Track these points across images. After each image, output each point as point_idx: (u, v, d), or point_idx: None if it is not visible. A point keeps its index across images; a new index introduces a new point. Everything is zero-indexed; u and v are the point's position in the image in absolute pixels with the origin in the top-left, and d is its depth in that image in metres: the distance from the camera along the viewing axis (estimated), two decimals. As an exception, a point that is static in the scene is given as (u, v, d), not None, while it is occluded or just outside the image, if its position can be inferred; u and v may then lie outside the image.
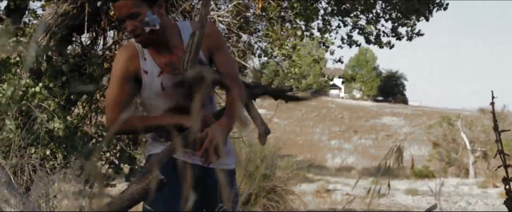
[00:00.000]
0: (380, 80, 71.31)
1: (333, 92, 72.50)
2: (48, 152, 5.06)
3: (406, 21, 8.75)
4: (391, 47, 9.04)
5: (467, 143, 32.87)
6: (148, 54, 2.69)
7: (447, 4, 8.74)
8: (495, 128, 2.08)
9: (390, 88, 72.53)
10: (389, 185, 1.78)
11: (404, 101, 70.01)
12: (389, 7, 8.63)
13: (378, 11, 8.72)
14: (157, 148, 2.79)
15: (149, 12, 2.54)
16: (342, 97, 69.94)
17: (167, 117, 2.71)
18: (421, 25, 8.96)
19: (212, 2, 7.59)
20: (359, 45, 9.20)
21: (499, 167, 2.05)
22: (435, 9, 8.74)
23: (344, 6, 8.28)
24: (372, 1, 8.49)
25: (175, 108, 2.73)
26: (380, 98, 70.58)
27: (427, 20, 8.77)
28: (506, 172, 2.01)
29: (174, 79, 2.67)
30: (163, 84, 2.68)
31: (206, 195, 2.68)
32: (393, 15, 8.70)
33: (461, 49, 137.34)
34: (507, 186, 2.00)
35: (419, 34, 9.03)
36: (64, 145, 5.12)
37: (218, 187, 2.71)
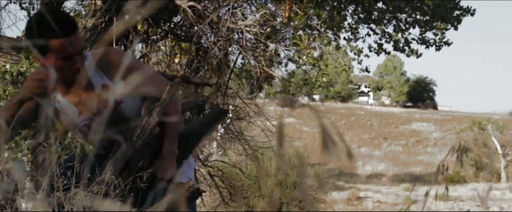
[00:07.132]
0: (408, 86, 70.67)
1: (362, 99, 72.10)
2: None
3: (434, 25, 8.66)
4: (418, 56, 8.96)
5: (498, 147, 32.42)
6: (58, 95, 2.55)
7: (474, 10, 8.67)
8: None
9: (420, 94, 71.76)
10: (447, 188, 1.75)
11: (434, 106, 69.27)
12: (416, 13, 8.55)
13: (407, 18, 8.65)
14: None
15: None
16: (371, 104, 69.41)
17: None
18: (450, 31, 8.85)
19: (239, 12, 7.63)
20: (389, 53, 9.10)
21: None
22: (462, 15, 8.67)
23: (372, 15, 8.22)
24: (400, 7, 8.43)
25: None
26: (410, 104, 69.91)
27: (456, 29, 8.69)
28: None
29: (92, 118, 2.60)
30: (87, 122, 2.60)
31: None
32: (421, 19, 8.60)
33: (489, 52, 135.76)
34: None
35: (447, 43, 8.93)
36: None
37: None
